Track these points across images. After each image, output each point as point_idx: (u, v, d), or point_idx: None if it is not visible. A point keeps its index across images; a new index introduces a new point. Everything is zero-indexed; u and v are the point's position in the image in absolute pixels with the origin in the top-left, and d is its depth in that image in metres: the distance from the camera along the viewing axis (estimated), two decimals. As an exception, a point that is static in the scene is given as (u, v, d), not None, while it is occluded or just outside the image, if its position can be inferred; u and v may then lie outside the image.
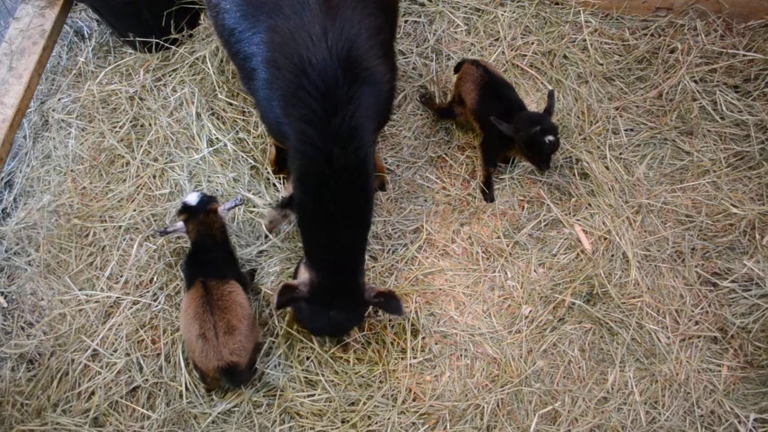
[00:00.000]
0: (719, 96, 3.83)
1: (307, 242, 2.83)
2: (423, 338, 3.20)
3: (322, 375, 3.04)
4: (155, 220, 3.48)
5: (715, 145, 3.76)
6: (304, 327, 3.07)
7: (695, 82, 3.90)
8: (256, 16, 2.62)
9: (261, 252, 3.41)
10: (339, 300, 2.82)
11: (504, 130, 3.20)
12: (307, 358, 3.11)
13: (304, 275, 2.83)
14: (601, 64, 4.03)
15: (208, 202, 3.06)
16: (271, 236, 3.38)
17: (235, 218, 3.45)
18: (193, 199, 3.05)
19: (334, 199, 2.58)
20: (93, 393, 3.08)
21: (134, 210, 3.53)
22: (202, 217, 3.01)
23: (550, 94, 3.34)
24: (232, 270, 3.00)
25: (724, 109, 3.81)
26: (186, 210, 3.04)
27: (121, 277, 3.35)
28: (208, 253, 2.99)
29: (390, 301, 2.87)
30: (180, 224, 3.07)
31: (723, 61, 3.94)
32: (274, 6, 2.54)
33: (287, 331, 3.14)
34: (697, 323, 3.27)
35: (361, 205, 2.70)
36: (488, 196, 3.58)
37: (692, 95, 3.86)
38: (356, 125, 2.49)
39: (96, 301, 3.28)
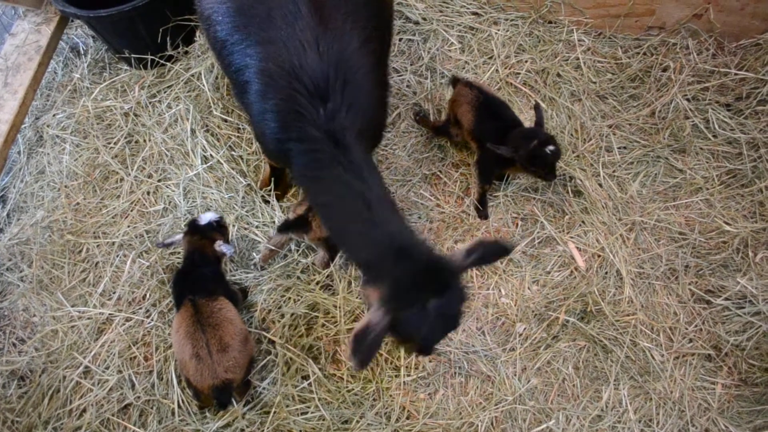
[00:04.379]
0: (711, 114, 3.86)
1: (352, 249, 2.56)
2: (416, 356, 3.18)
3: (316, 393, 3.02)
4: (149, 237, 3.48)
5: (707, 162, 3.78)
6: (414, 348, 2.48)
7: (688, 100, 3.93)
8: (248, 27, 2.63)
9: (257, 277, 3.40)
10: (427, 286, 2.27)
11: (504, 153, 3.18)
12: (303, 377, 3.09)
13: (371, 300, 2.36)
14: (594, 83, 4.06)
15: (215, 230, 3.08)
16: (279, 249, 3.36)
17: (230, 236, 3.44)
18: (204, 219, 3.08)
19: (352, 180, 2.43)
20: (84, 410, 3.06)
21: (128, 226, 3.53)
22: (197, 239, 3.04)
23: (537, 107, 3.35)
24: (220, 286, 2.99)
25: (716, 127, 3.84)
26: (190, 225, 3.09)
27: (114, 293, 3.34)
28: (196, 270, 2.99)
29: (489, 250, 2.40)
30: (179, 236, 3.10)
31: (715, 79, 3.97)
32: (266, 17, 2.56)
33: (285, 350, 3.12)
34: (691, 341, 3.27)
35: (377, 178, 2.54)
36: (482, 214, 3.59)
37: (685, 113, 3.89)
38: (352, 117, 2.48)
39: (88, 318, 3.27)
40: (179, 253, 3.25)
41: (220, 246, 3.03)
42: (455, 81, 3.69)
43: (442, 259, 2.35)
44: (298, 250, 3.42)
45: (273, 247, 3.28)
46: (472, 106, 3.46)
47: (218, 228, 3.11)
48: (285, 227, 3.12)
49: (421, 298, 2.23)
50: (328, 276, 3.32)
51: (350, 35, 2.54)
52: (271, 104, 2.59)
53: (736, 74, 3.95)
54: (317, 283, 3.29)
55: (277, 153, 2.76)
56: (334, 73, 2.46)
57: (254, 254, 3.43)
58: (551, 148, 3.13)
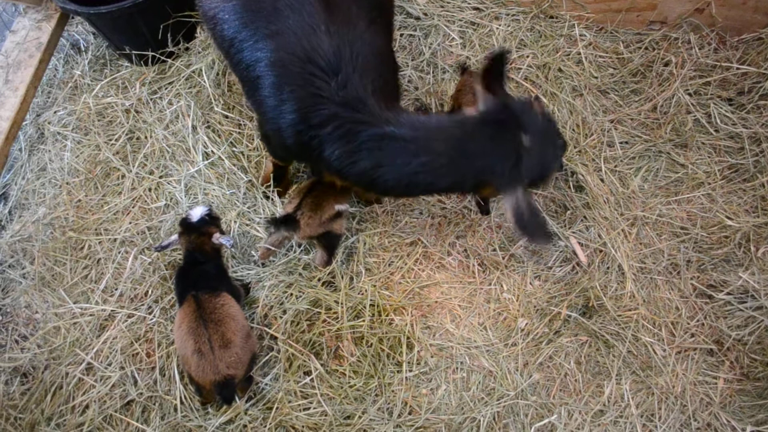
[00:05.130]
0: (713, 109, 3.85)
1: (430, 186, 2.58)
2: (419, 351, 3.19)
3: (318, 388, 3.03)
4: (150, 233, 3.48)
5: (709, 157, 3.77)
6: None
7: (689, 95, 3.92)
8: (255, 22, 2.63)
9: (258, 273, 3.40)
10: (508, 138, 2.38)
11: None
12: (305, 373, 3.09)
13: (494, 196, 2.52)
14: (596, 77, 4.05)
15: (206, 224, 3.06)
16: (277, 248, 3.36)
17: (231, 232, 3.44)
18: (195, 215, 3.06)
19: (388, 131, 2.43)
20: (87, 407, 3.06)
21: (129, 223, 3.53)
22: (194, 237, 3.03)
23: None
24: (223, 282, 2.99)
25: (718, 121, 3.83)
26: (183, 225, 3.06)
27: (116, 290, 3.34)
28: (198, 266, 2.99)
29: (494, 67, 2.50)
30: (174, 237, 3.09)
31: (717, 74, 3.96)
32: (273, 10, 2.58)
33: (287, 346, 3.13)
34: (693, 335, 3.27)
35: (407, 114, 2.57)
36: (484, 209, 3.58)
37: (686, 108, 3.88)
38: (365, 81, 2.48)
39: (91, 314, 3.27)
40: (180, 249, 3.24)
41: (218, 239, 3.03)
42: (464, 69, 3.68)
43: (489, 110, 2.41)
44: (300, 247, 3.41)
45: (270, 247, 3.29)
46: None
47: (211, 221, 3.10)
48: (275, 224, 3.11)
49: (517, 147, 2.32)
50: (329, 273, 3.32)
51: (357, 18, 2.58)
52: (287, 93, 2.57)
53: (737, 69, 3.94)
54: (318, 280, 3.29)
55: (297, 147, 2.72)
56: (346, 49, 2.48)
57: (253, 253, 3.42)
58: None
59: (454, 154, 2.42)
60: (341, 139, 2.51)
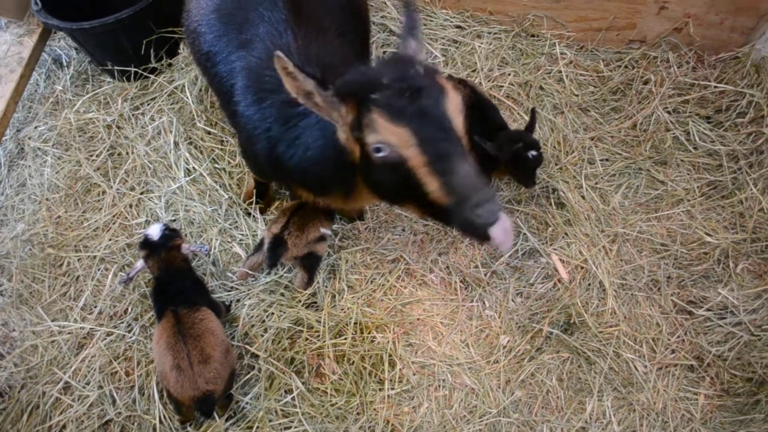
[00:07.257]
0: (692, 126, 3.90)
1: None
2: (401, 369, 3.17)
3: (299, 407, 3.00)
4: (130, 250, 3.44)
5: (688, 174, 3.81)
6: None
7: (668, 112, 3.97)
8: (228, 34, 2.68)
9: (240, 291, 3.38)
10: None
11: (488, 149, 3.21)
12: (286, 391, 3.06)
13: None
14: (577, 95, 4.09)
15: (171, 237, 3.02)
16: (254, 272, 3.34)
17: (212, 249, 3.42)
18: (155, 233, 3.01)
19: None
20: (64, 427, 3.01)
21: (109, 240, 3.49)
22: (164, 255, 2.99)
23: (533, 111, 3.36)
24: (202, 297, 2.96)
25: (696, 139, 3.87)
26: (147, 246, 3.01)
27: (95, 307, 3.30)
28: (174, 283, 2.96)
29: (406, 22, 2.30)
30: (140, 263, 3.04)
31: (695, 92, 4.02)
32: (244, 21, 2.62)
33: (268, 365, 3.10)
34: (673, 352, 3.29)
35: None
36: (466, 225, 3.58)
37: (666, 126, 3.92)
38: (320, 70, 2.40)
39: (69, 333, 3.23)
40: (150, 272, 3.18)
41: (190, 248, 3.00)
42: (461, 82, 3.69)
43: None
44: (282, 268, 3.39)
45: (248, 271, 3.27)
46: (464, 104, 3.46)
47: (172, 233, 3.06)
48: (273, 258, 3.07)
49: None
50: (312, 289, 3.30)
51: (327, 29, 2.61)
52: (251, 96, 2.59)
53: (715, 87, 3.99)
54: (298, 301, 3.26)
55: (265, 157, 2.67)
56: (312, 50, 2.49)
57: (229, 274, 3.39)
58: (533, 153, 3.16)
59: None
60: (290, 123, 2.49)
